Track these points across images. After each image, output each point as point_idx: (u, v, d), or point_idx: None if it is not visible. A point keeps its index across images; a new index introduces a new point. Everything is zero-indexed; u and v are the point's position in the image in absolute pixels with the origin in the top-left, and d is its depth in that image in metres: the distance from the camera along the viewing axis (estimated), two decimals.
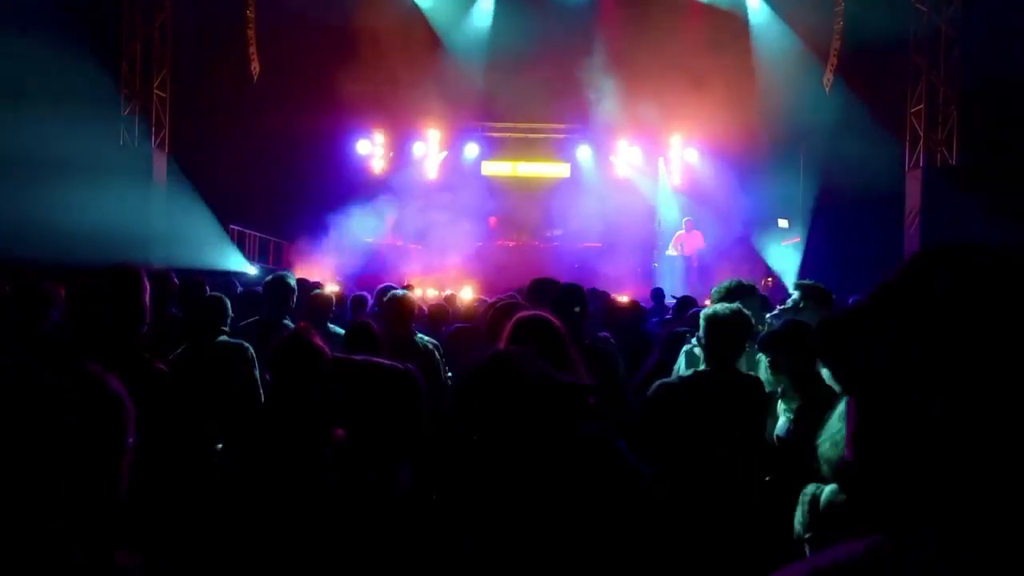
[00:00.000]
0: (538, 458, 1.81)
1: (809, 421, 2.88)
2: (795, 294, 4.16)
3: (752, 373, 3.46)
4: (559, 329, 2.55)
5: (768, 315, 4.14)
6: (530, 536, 1.75)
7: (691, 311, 5.40)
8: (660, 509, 2.09)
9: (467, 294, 9.50)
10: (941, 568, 0.77)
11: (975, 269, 0.83)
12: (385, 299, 4.78)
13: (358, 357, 2.06)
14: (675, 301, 7.18)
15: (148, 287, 2.53)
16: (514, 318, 2.59)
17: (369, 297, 6.49)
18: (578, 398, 1.92)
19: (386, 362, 2.02)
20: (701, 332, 3.28)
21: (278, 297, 4.81)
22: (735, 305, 3.31)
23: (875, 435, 0.85)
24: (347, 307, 6.47)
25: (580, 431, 1.89)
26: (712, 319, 3.21)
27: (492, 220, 15.45)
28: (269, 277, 5.06)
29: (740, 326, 3.20)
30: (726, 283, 4.07)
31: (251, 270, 13.82)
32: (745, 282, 4.09)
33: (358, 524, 1.79)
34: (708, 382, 3.12)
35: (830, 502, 2.03)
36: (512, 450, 1.81)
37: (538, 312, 2.66)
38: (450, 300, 7.90)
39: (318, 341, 2.67)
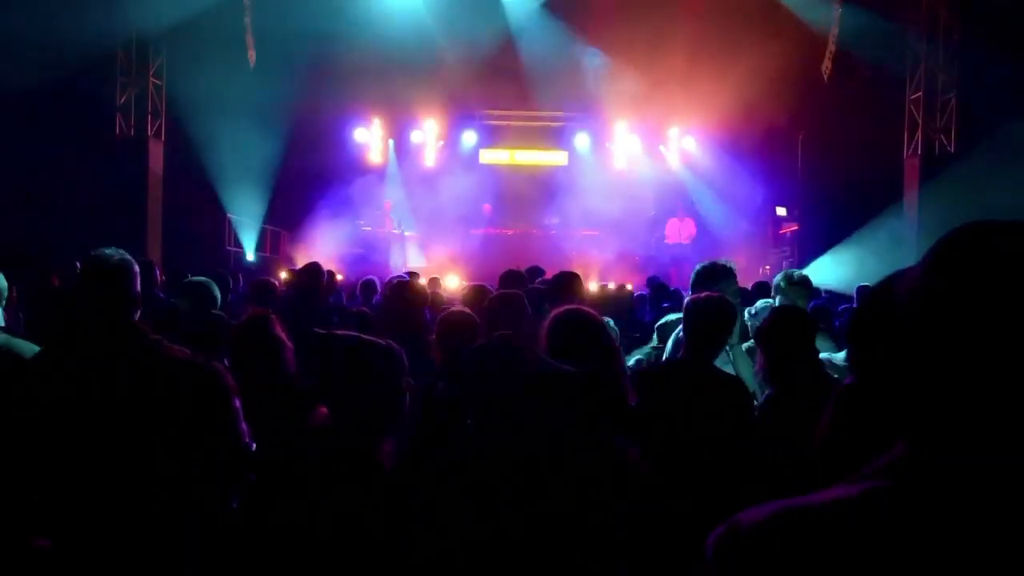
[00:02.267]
0: (529, 442, 1.82)
1: (782, 412, 2.82)
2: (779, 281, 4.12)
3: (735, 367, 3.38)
4: (597, 322, 2.53)
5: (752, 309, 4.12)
6: (520, 518, 1.76)
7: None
8: (648, 493, 2.09)
9: (452, 281, 9.46)
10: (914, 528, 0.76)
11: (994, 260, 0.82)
12: (392, 286, 4.84)
13: (340, 332, 2.08)
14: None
15: (136, 273, 2.53)
16: (553, 313, 2.57)
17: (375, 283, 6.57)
18: (573, 385, 1.93)
19: (367, 337, 2.05)
20: (682, 320, 3.11)
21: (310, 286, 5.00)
22: (717, 294, 3.13)
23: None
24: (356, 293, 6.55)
25: (573, 417, 1.91)
26: (691, 306, 3.05)
27: (487, 207, 15.42)
28: (301, 267, 5.27)
29: (721, 315, 3.01)
30: (705, 264, 3.88)
31: (249, 258, 13.81)
32: (721, 264, 3.87)
33: (344, 498, 1.82)
34: (683, 372, 2.95)
35: None
36: (507, 433, 1.82)
37: (577, 307, 2.65)
38: (433, 284, 7.88)
39: (276, 328, 2.69)
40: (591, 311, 2.61)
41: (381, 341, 2.02)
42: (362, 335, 2.05)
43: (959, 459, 0.78)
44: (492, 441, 1.83)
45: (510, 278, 4.72)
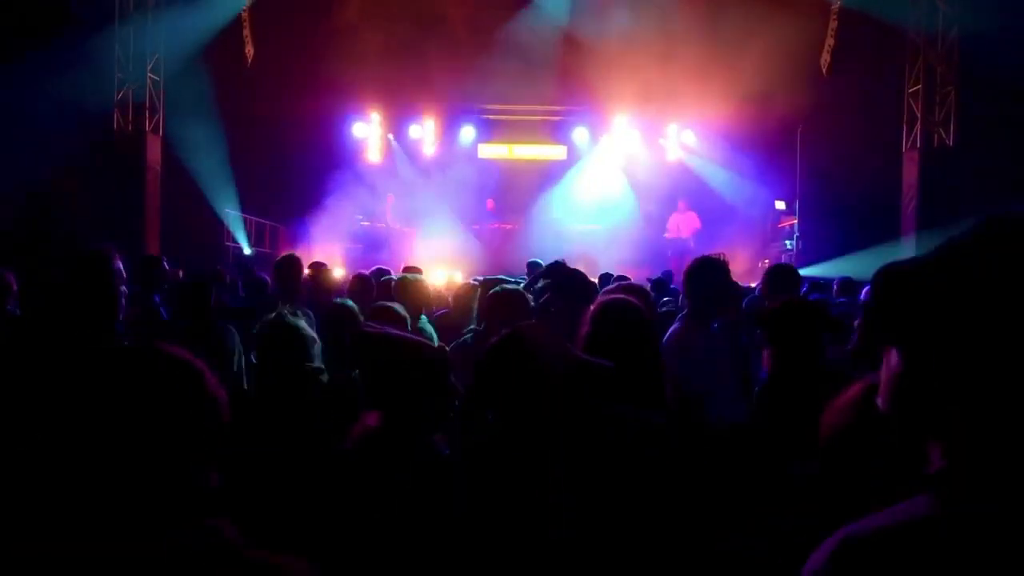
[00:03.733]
0: (557, 437, 1.80)
1: (779, 402, 2.81)
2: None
3: None
4: (646, 317, 2.55)
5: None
6: (548, 516, 1.75)
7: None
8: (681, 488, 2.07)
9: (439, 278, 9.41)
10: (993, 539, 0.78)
11: None
12: (395, 283, 4.78)
13: (393, 332, 2.07)
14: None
15: (118, 271, 2.52)
16: (600, 300, 2.58)
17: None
18: (599, 376, 1.91)
19: (418, 338, 2.05)
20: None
21: (287, 278, 4.90)
22: (622, 297, 3.07)
23: (920, 391, 0.86)
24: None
25: (604, 409, 1.88)
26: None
27: (490, 202, 15.40)
28: (278, 258, 5.14)
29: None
30: (698, 259, 3.89)
31: (246, 253, 13.80)
32: (712, 258, 3.90)
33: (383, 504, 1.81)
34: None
35: None
36: (530, 428, 1.80)
37: (625, 297, 2.65)
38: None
39: (303, 324, 2.69)
40: (638, 303, 2.62)
41: (431, 342, 2.02)
42: (411, 335, 2.04)
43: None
44: (516, 436, 1.81)
45: (562, 271, 4.55)
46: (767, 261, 13.53)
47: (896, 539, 0.81)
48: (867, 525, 0.84)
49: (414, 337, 2.04)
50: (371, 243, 13.87)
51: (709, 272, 3.79)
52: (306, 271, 5.37)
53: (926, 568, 0.79)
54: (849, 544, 0.83)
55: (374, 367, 1.99)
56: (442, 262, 12.40)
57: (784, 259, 12.60)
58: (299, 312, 2.85)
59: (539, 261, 6.86)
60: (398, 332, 2.07)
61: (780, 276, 4.44)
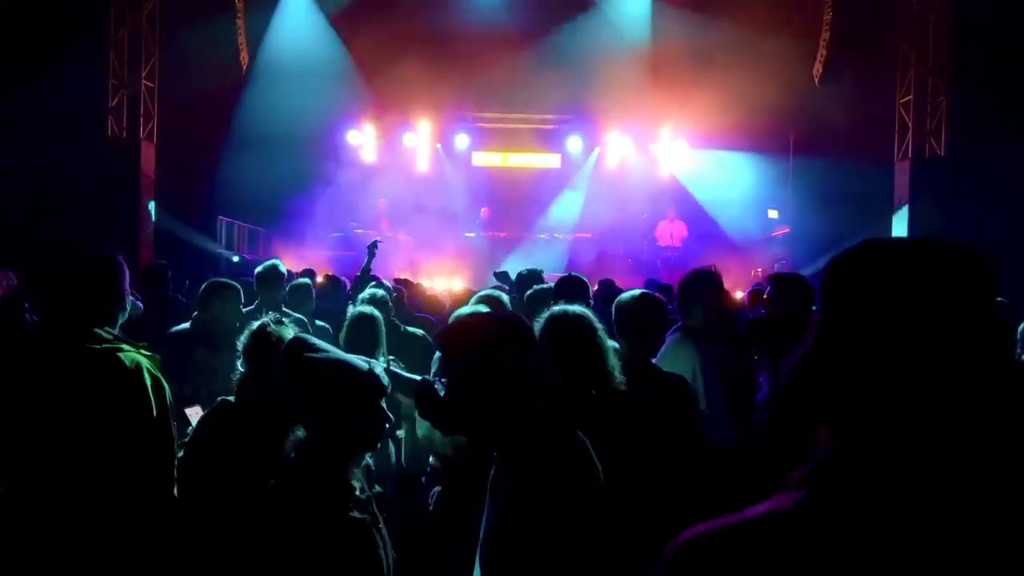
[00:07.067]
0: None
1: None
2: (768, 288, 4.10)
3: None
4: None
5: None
6: None
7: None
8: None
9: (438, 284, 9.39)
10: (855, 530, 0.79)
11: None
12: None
13: (321, 354, 2.03)
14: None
15: (125, 273, 2.51)
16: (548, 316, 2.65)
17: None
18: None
19: (352, 358, 2.02)
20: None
21: (271, 285, 4.85)
22: (644, 291, 3.16)
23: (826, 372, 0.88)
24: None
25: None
26: (621, 305, 3.07)
27: (485, 211, 15.38)
28: (259, 267, 5.04)
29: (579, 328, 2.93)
30: (689, 273, 3.95)
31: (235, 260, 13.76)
32: (699, 271, 3.92)
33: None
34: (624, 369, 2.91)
35: None
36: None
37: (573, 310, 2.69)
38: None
39: (288, 334, 2.65)
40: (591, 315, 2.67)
41: (363, 363, 1.98)
42: (346, 356, 2.01)
43: (863, 475, 0.81)
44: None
45: (571, 283, 4.52)
46: (760, 270, 13.56)
47: (737, 536, 0.82)
48: (717, 524, 0.85)
49: (351, 359, 2.01)
50: (363, 250, 13.80)
51: (703, 286, 3.78)
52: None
53: (762, 563, 0.80)
54: (688, 543, 0.85)
55: (304, 389, 1.97)
56: (435, 270, 12.39)
57: (777, 268, 12.62)
58: (285, 320, 2.82)
59: (507, 271, 6.94)
60: (336, 355, 2.04)
61: (787, 286, 4.14)
